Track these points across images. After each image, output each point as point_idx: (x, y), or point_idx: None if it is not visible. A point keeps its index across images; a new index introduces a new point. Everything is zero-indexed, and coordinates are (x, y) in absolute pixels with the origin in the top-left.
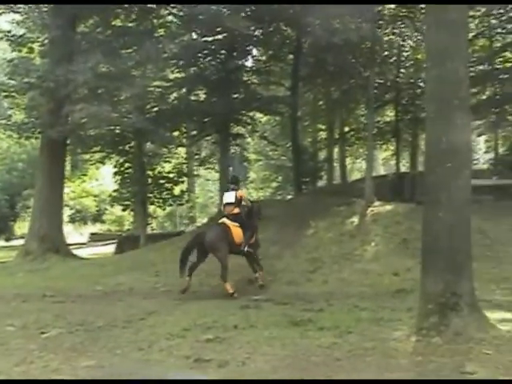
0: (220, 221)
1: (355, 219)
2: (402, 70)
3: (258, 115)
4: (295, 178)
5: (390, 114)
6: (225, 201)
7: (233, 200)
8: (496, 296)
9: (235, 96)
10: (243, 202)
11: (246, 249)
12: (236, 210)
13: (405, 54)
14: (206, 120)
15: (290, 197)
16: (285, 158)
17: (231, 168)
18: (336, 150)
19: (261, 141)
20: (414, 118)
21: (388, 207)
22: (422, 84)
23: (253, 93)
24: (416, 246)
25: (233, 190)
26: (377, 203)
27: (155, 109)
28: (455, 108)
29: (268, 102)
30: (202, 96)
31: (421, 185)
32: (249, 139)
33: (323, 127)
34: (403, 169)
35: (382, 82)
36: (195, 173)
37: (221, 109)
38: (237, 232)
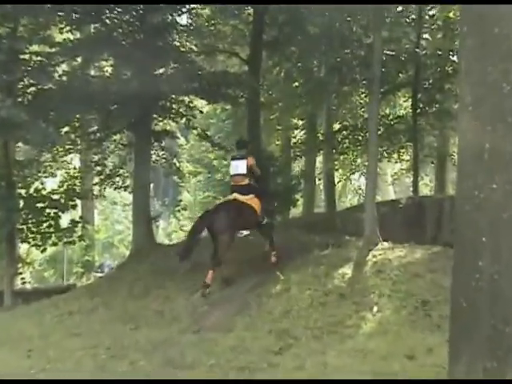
0: (231, 197)
1: (348, 270)
2: (425, 36)
3: (198, 102)
4: None
5: (404, 105)
6: (233, 171)
7: (244, 171)
8: None
9: (161, 71)
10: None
11: (265, 221)
12: (246, 181)
13: (429, 11)
14: (113, 108)
15: (245, 233)
16: None
17: (153, 185)
18: (320, 159)
19: (201, 143)
20: (442, 110)
21: (400, 251)
22: (455, 58)
23: (190, 66)
24: (442, 312)
25: (241, 157)
26: (382, 245)
27: (32, 89)
28: (506, 97)
29: (213, 80)
30: (108, 70)
31: (451, 216)
32: (182, 140)
33: (300, 123)
34: (425, 191)
35: (392, 53)
36: (95, 193)
37: (138, 91)
38: (256, 204)
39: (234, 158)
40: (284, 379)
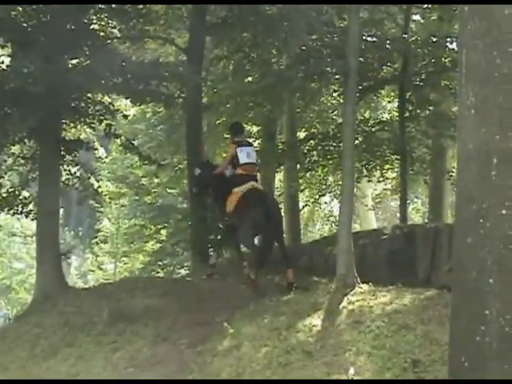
0: (249, 185)
1: (316, 320)
2: (416, 17)
3: (121, 103)
4: (193, 233)
5: (389, 106)
6: (243, 159)
7: (255, 160)
8: None
9: (73, 62)
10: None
11: None
12: (257, 172)
13: None
14: (9, 110)
15: (183, 272)
16: (174, 193)
17: (63, 211)
18: (280, 176)
19: (126, 155)
20: (437, 114)
21: (383, 296)
22: (454, 46)
23: (110, 56)
24: (438, 374)
25: (250, 144)
26: (361, 288)
27: None
28: None
29: (141, 74)
30: (4, 60)
31: (449, 251)
32: (101, 152)
33: (254, 129)
34: (415, 218)
35: (373, 39)
36: None
37: (42, 87)
38: None
39: (240, 144)
40: (283, 379)
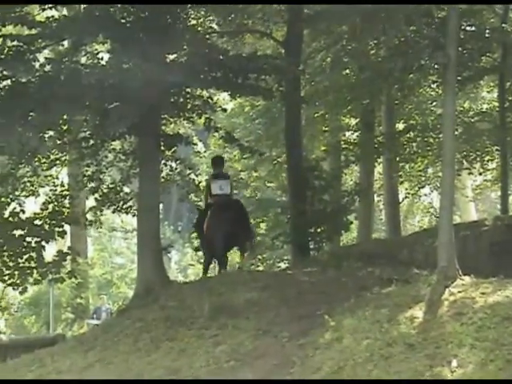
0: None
1: (418, 312)
2: None
3: (220, 96)
4: (293, 227)
5: (488, 97)
6: (216, 191)
7: (228, 191)
8: None
9: (172, 57)
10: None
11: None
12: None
13: None
14: (110, 106)
15: (283, 266)
16: (273, 186)
17: (163, 206)
18: (379, 169)
19: (225, 149)
20: None
21: (485, 288)
22: None
23: (209, 51)
24: None
25: (225, 177)
26: (462, 280)
27: (5, 83)
28: None
29: (240, 67)
30: (104, 57)
31: None
32: (199, 146)
33: (353, 122)
34: None
35: (472, 29)
36: (89, 217)
37: (142, 83)
38: None
39: (216, 177)
40: (285, 379)
